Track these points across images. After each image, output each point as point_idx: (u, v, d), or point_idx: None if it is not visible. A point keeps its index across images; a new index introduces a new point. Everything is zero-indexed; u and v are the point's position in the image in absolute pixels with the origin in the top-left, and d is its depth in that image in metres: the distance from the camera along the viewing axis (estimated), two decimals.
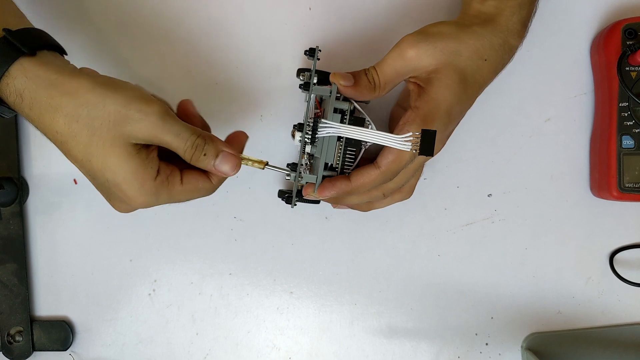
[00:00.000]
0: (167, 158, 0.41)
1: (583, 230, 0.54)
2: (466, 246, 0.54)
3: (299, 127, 0.43)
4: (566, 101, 0.54)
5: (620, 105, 0.50)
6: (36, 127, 0.39)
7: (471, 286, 0.54)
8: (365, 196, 0.46)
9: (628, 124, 0.50)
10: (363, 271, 0.54)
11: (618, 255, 0.53)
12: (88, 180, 0.41)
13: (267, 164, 0.43)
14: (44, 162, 0.54)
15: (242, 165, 0.42)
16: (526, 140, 0.54)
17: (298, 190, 0.46)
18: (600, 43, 0.51)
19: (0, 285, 0.53)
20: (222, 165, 0.40)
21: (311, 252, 0.54)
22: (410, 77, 0.44)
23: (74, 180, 0.54)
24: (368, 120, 0.44)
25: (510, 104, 0.53)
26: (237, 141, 0.43)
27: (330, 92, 0.43)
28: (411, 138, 0.39)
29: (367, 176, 0.43)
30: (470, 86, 0.44)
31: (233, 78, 0.53)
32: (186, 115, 0.42)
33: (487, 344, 0.54)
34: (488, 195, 0.54)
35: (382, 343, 0.54)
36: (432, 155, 0.38)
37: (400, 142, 0.40)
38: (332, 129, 0.42)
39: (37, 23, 0.42)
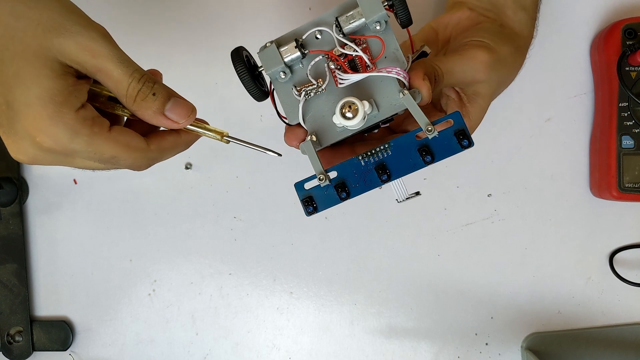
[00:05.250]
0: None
1: (583, 230, 0.54)
2: (466, 246, 0.54)
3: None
4: (566, 101, 0.53)
5: (620, 105, 0.50)
6: None
7: (471, 286, 0.54)
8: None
9: (628, 124, 0.50)
10: (363, 271, 0.54)
11: (618, 255, 0.53)
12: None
13: (226, 135, 0.37)
14: None
15: (199, 135, 0.36)
16: (526, 140, 0.54)
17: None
18: (600, 43, 0.51)
19: (0, 285, 0.53)
20: (175, 108, 0.33)
21: (311, 252, 0.54)
22: (459, 87, 0.43)
23: (74, 180, 0.54)
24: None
25: (510, 104, 0.53)
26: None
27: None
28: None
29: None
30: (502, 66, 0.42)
31: (233, 77, 0.53)
32: None
33: (487, 344, 0.54)
34: (488, 195, 0.54)
35: (382, 343, 0.54)
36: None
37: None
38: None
39: None
